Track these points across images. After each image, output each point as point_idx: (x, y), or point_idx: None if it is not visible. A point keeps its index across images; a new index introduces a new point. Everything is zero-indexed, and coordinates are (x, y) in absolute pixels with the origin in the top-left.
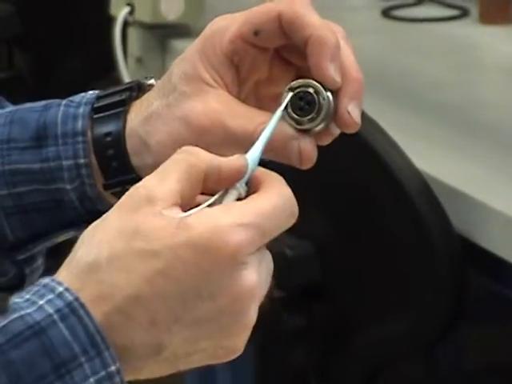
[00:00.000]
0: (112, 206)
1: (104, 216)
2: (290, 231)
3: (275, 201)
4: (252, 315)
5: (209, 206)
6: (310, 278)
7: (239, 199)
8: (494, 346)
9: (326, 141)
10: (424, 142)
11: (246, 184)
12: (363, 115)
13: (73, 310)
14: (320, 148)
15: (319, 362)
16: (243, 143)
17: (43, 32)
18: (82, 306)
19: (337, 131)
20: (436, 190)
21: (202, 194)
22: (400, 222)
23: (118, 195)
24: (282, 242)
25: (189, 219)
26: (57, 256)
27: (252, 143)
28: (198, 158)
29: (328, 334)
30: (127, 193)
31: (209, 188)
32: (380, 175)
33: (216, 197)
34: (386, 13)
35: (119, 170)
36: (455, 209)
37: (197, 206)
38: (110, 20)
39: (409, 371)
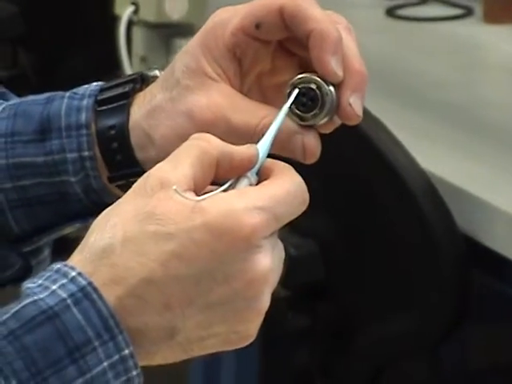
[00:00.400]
0: (118, 197)
1: (117, 201)
2: (294, 229)
3: (287, 187)
4: (265, 301)
5: (222, 192)
6: (313, 277)
7: None
8: (498, 346)
9: (328, 130)
10: (428, 141)
11: (257, 173)
12: (367, 114)
13: (86, 295)
14: (324, 147)
15: (323, 361)
16: (246, 137)
17: (47, 31)
18: (95, 290)
19: (339, 121)
20: (440, 189)
21: (212, 184)
22: (404, 222)
23: (123, 188)
24: (285, 241)
25: (204, 203)
26: (62, 252)
27: (255, 137)
28: (211, 144)
29: (332, 333)
30: (141, 178)
31: (220, 175)
32: (384, 174)
33: (228, 184)
34: (391, 12)
35: (123, 164)
36: (459, 208)
37: (210, 193)
38: (114, 19)
39: (413, 370)
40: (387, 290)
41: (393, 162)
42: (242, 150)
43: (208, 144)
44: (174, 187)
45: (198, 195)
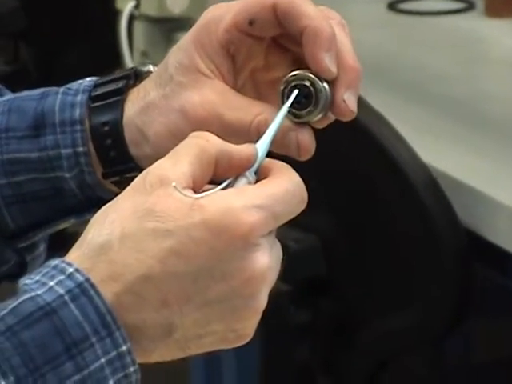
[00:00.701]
0: (113, 192)
1: (116, 198)
2: (295, 224)
3: (286, 186)
4: (263, 299)
5: (221, 190)
6: (315, 271)
7: None
8: (501, 339)
9: (322, 125)
10: (430, 136)
11: (256, 173)
12: (369, 108)
13: (83, 291)
14: (325, 142)
15: (324, 356)
16: (241, 134)
17: (48, 26)
18: (93, 286)
19: (333, 117)
20: (442, 183)
21: (211, 183)
22: (406, 216)
23: (118, 184)
24: (286, 236)
25: (202, 200)
26: (59, 247)
27: (250, 134)
28: (210, 142)
29: (333, 328)
30: (140, 175)
31: (218, 174)
32: (386, 169)
33: (226, 183)
34: (392, 6)
35: (118, 160)
36: (461, 202)
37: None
38: (115, 14)
39: (415, 365)
40: (389, 285)
41: (395, 157)
42: (241, 149)
43: (207, 142)
44: (174, 184)
45: (196, 193)
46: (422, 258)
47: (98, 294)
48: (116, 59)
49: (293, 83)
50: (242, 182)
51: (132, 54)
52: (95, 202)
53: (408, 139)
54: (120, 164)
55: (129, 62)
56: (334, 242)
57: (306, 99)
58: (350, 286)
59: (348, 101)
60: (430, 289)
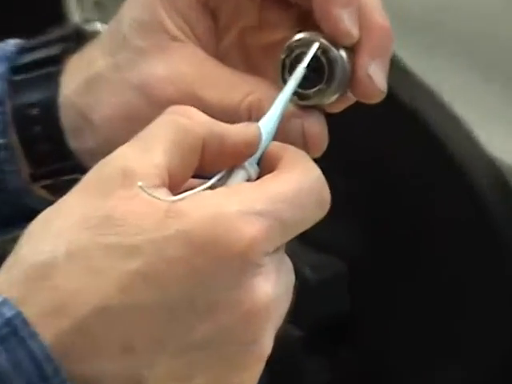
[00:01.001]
0: (45, 201)
1: (61, 200)
2: (311, 242)
3: (299, 183)
4: (267, 342)
5: (208, 189)
6: (337, 309)
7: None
8: None
9: (338, 109)
10: (499, 121)
11: (258, 163)
12: (415, 82)
13: (13, 331)
14: (351, 127)
15: None
16: (225, 120)
17: None
18: (26, 323)
19: (353, 97)
20: None
21: (196, 177)
22: (466, 230)
23: (52, 189)
24: (300, 260)
25: (181, 204)
26: None
27: (238, 120)
28: (194, 120)
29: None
30: (94, 168)
31: (207, 165)
32: (438, 163)
33: (216, 178)
34: None
35: (51, 155)
36: None
37: (190, 190)
38: None
39: None
40: (433, 327)
41: (450, 147)
42: (238, 130)
43: (190, 121)
44: (140, 183)
45: (174, 193)
46: (481, 286)
47: (33, 334)
48: (61, 13)
49: (297, 51)
50: (238, 176)
51: (83, 5)
52: (20, 213)
53: (470, 124)
54: (54, 161)
55: (77, 15)
56: (362, 267)
57: (316, 73)
58: (383, 329)
59: (374, 75)
60: (490, 326)
